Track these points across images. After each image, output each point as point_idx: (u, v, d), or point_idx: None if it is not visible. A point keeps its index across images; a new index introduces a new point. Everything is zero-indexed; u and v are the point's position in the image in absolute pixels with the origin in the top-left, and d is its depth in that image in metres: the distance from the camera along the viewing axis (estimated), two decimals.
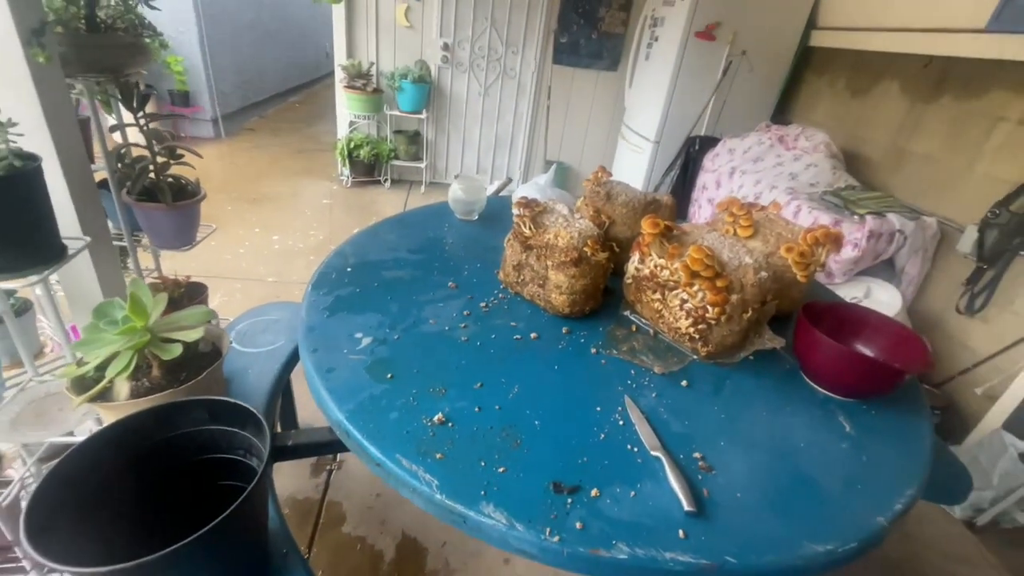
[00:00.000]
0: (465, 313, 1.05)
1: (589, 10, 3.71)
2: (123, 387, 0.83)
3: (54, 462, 0.66)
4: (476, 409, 0.81)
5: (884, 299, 2.00)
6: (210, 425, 0.79)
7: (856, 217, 2.03)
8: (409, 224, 1.47)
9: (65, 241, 0.93)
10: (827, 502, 0.73)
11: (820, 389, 0.96)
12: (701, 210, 2.89)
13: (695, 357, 1.01)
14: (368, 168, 3.92)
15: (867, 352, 1.00)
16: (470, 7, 3.61)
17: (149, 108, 1.29)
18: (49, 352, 1.41)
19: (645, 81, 3.41)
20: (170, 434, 0.77)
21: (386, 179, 4.05)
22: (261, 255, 2.80)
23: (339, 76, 3.66)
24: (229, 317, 1.44)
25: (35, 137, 0.95)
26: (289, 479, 1.53)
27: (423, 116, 3.83)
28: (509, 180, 1.90)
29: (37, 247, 0.86)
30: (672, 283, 0.99)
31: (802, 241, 1.10)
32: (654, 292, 1.04)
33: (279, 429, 1.61)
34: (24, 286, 0.86)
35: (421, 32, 3.69)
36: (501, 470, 0.71)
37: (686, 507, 0.67)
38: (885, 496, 0.75)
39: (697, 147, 2.93)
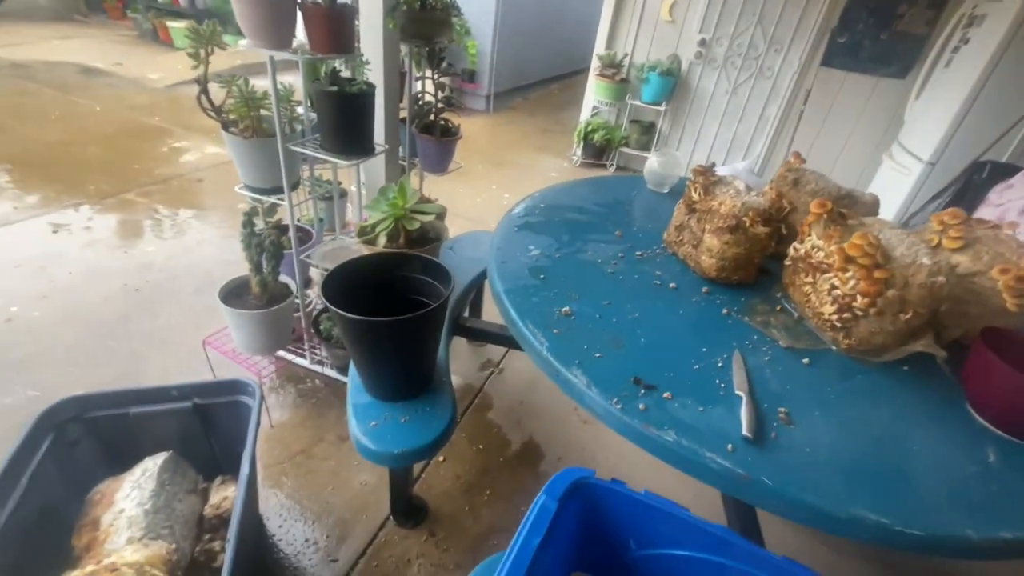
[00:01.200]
0: (620, 255, 1.23)
1: (885, 7, 3.23)
2: (383, 239, 1.27)
3: (339, 263, 1.10)
4: (597, 316, 1.00)
5: None
6: (421, 275, 1.16)
7: None
8: (603, 185, 1.68)
9: (375, 145, 1.43)
10: (909, 489, 0.71)
11: (981, 419, 0.86)
12: None
13: (833, 347, 0.99)
14: (598, 151, 4.22)
15: None
16: (739, 2, 3.51)
17: (445, 79, 1.77)
18: (350, 226, 2.08)
19: (938, 92, 2.85)
20: (399, 272, 1.16)
21: (612, 164, 4.29)
22: (490, 205, 3.37)
23: (594, 64, 4.01)
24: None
25: (375, 75, 1.47)
26: (462, 368, 1.94)
27: (662, 108, 3.93)
28: (714, 164, 1.89)
29: (362, 143, 1.36)
30: (825, 265, 0.99)
31: (1022, 263, 0.95)
32: (807, 275, 1.04)
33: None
34: (350, 165, 1.37)
35: (681, 27, 3.75)
36: (597, 355, 0.89)
37: (744, 431, 0.75)
38: (993, 519, 0.68)
39: (985, 175, 2.36)
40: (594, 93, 4.04)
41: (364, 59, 1.37)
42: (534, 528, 0.68)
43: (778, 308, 1.10)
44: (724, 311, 1.07)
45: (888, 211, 3.01)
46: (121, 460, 1.14)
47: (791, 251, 1.09)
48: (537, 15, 5.90)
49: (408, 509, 1.38)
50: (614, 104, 4.12)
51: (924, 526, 0.66)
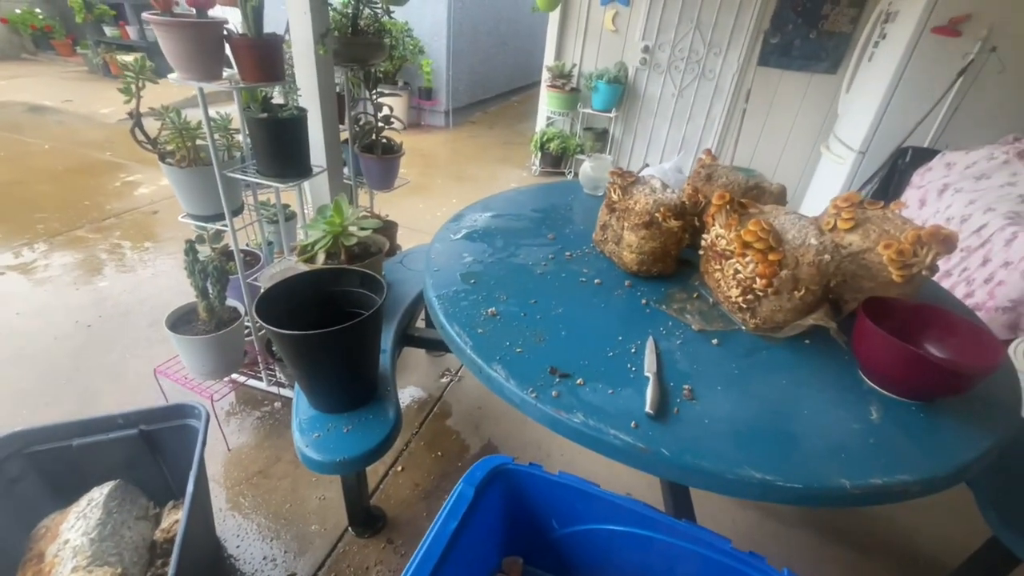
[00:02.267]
0: (550, 256, 1.29)
1: (811, 8, 3.42)
2: (321, 256, 1.31)
3: (275, 283, 1.14)
4: (522, 314, 1.05)
5: None
6: (359, 288, 1.20)
7: None
8: (542, 191, 1.75)
9: (313, 166, 1.47)
10: (795, 451, 0.78)
11: (870, 383, 0.94)
12: None
13: (743, 328, 1.07)
14: (555, 160, 4.33)
15: (932, 351, 0.92)
16: (676, 10, 3.67)
17: (402, 102, 1.84)
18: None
19: (864, 85, 3.03)
20: (336, 288, 1.20)
21: (570, 171, 4.40)
22: None
23: (544, 76, 4.12)
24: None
25: (309, 100, 1.51)
26: (421, 379, 1.97)
27: (612, 115, 4.06)
28: (646, 165, 1.98)
29: (298, 166, 1.40)
30: (728, 252, 1.07)
31: (904, 239, 1.04)
32: (715, 262, 1.12)
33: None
34: (287, 188, 1.41)
35: (625, 35, 3.90)
36: (518, 350, 0.94)
37: (647, 408, 0.81)
38: (867, 470, 0.75)
39: (907, 160, 2.52)
40: (547, 104, 4.15)
41: (295, 85, 1.41)
42: (451, 514, 0.72)
43: (695, 296, 1.17)
44: (643, 302, 1.13)
45: (827, 198, 3.16)
46: (67, 492, 1.14)
47: (702, 241, 1.17)
48: (490, 31, 6.04)
49: (366, 518, 1.40)
50: (567, 113, 4.23)
51: (803, 479, 0.73)
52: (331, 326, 1.00)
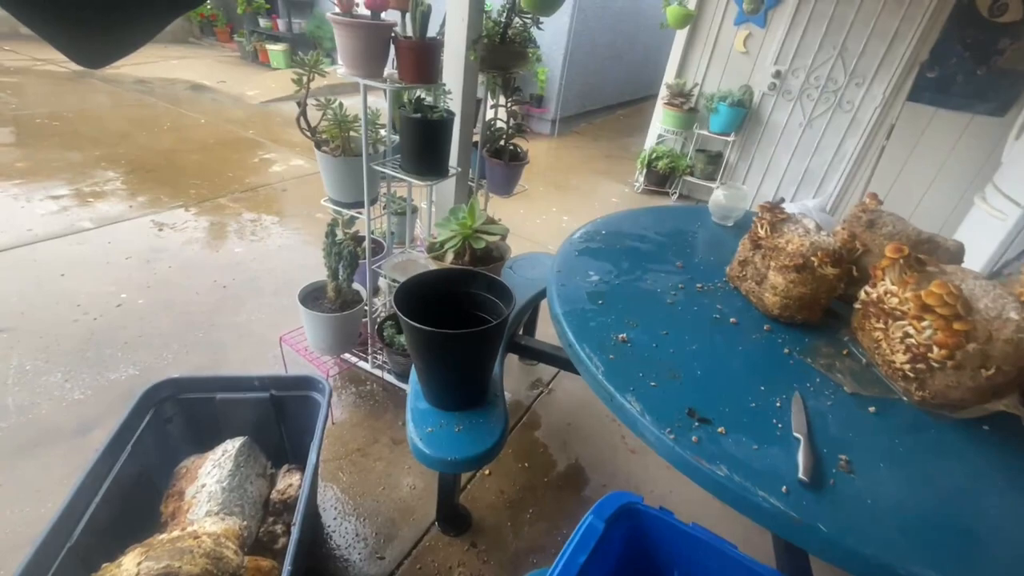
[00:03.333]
0: (680, 286, 1.23)
1: (983, 41, 3.04)
2: (450, 255, 1.35)
3: (411, 276, 1.18)
4: (654, 345, 1.01)
5: None
6: (485, 292, 1.22)
7: None
8: (666, 214, 1.69)
9: (450, 167, 1.53)
10: (980, 551, 0.68)
11: None
12: None
13: (904, 398, 0.95)
14: (661, 179, 4.20)
15: None
16: (818, 35, 3.42)
17: (516, 107, 1.86)
18: (418, 240, 2.20)
19: None
20: (464, 289, 1.23)
21: (675, 192, 4.25)
22: (550, 227, 3.43)
23: (662, 93, 4.02)
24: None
25: (454, 102, 1.57)
26: (513, 385, 1.98)
27: (731, 139, 3.86)
28: (782, 199, 1.84)
29: (439, 166, 1.46)
30: (899, 312, 0.96)
31: None
32: (878, 320, 1.01)
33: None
34: (426, 185, 1.47)
35: (755, 58, 3.70)
36: (652, 384, 0.91)
37: (800, 474, 0.74)
38: None
39: None
40: (661, 121, 4.04)
41: (446, 88, 1.47)
42: (580, 546, 0.70)
43: (844, 352, 1.07)
44: (786, 351, 1.05)
45: (979, 258, 2.80)
46: (204, 440, 1.26)
47: (862, 294, 1.06)
48: (608, 44, 6.00)
49: (453, 517, 1.42)
50: (680, 133, 4.09)
51: None
52: (455, 325, 1.02)
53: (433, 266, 1.39)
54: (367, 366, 1.89)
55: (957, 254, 1.17)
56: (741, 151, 4.02)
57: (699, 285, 1.25)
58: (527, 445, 1.72)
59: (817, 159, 3.77)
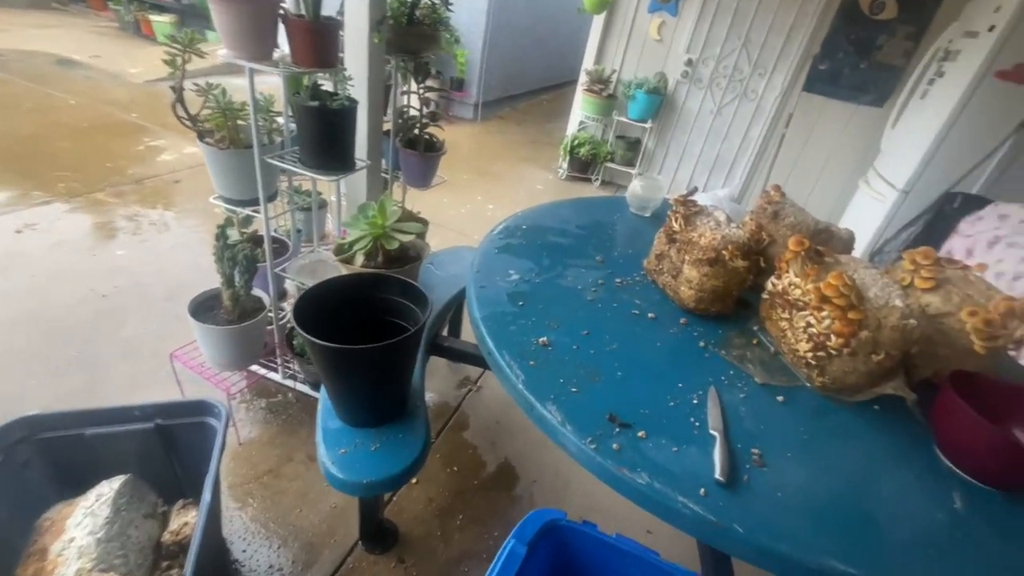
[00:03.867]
0: (600, 282, 1.22)
1: (865, 38, 3.32)
2: (360, 258, 1.24)
3: (311, 286, 1.07)
4: (575, 347, 0.98)
5: None
6: (400, 297, 1.14)
7: None
8: (586, 206, 1.67)
9: (357, 160, 1.40)
10: (880, 537, 0.71)
11: (948, 463, 0.87)
12: None
13: (808, 384, 1.00)
14: (583, 165, 4.25)
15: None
16: (724, 26, 3.58)
17: (431, 93, 1.75)
18: (328, 238, 2.04)
19: (913, 123, 2.94)
20: (376, 294, 1.13)
21: (597, 178, 4.32)
22: (475, 217, 3.35)
23: (582, 79, 4.04)
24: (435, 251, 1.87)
25: (358, 89, 1.44)
26: (440, 386, 1.91)
27: (648, 126, 3.97)
28: (695, 189, 1.91)
29: (343, 158, 1.34)
30: (802, 303, 0.99)
31: (992, 308, 0.96)
32: (783, 310, 1.05)
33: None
34: (330, 180, 1.34)
35: (669, 46, 3.81)
36: (573, 390, 0.88)
37: (717, 475, 0.75)
38: (956, 568, 0.69)
39: (956, 206, 2.43)
40: (581, 108, 4.07)
41: (347, 74, 1.34)
42: (503, 572, 0.66)
43: (754, 341, 1.10)
44: (701, 344, 1.06)
45: (863, 237, 3.08)
46: (75, 482, 1.08)
47: (769, 286, 1.10)
48: (529, 27, 5.94)
49: (378, 534, 1.35)
50: (601, 119, 4.15)
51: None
52: (366, 333, 0.94)
53: (343, 270, 1.28)
54: (278, 377, 1.74)
55: (849, 242, 1.25)
56: (658, 138, 4.15)
57: (619, 280, 1.24)
58: (456, 448, 1.67)
59: (726, 146, 3.98)
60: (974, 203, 2.40)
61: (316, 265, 1.54)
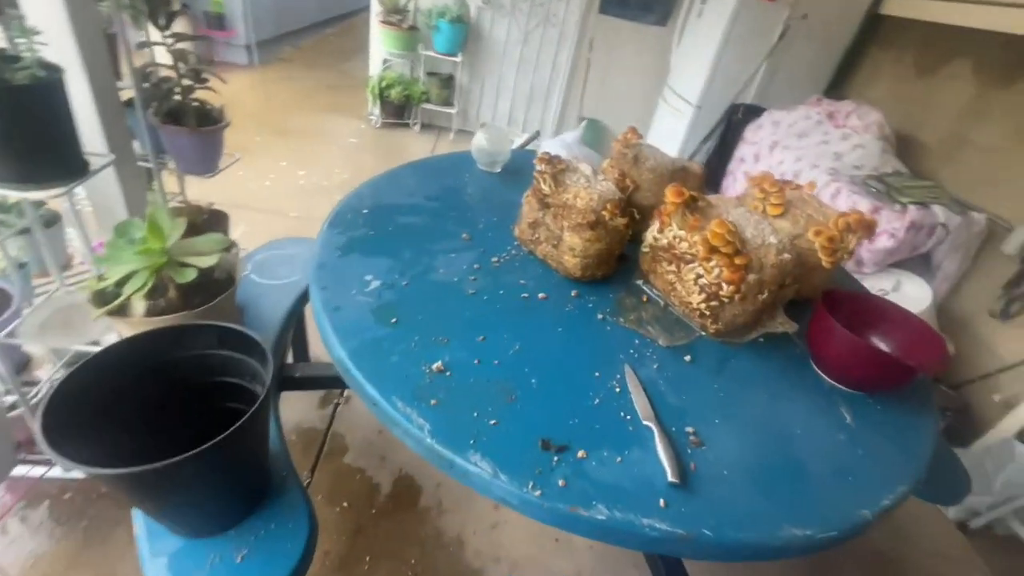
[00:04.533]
0: (475, 266, 1.05)
1: None
2: (139, 305, 0.86)
3: (72, 368, 0.70)
4: (475, 361, 0.82)
5: (913, 294, 1.92)
6: (219, 350, 0.82)
7: (898, 206, 1.92)
8: (429, 170, 1.44)
9: (89, 157, 0.94)
10: (814, 488, 0.73)
11: (827, 379, 0.94)
12: (736, 183, 2.78)
13: (703, 333, 0.99)
14: (398, 110, 3.85)
15: (881, 346, 0.97)
16: None
17: (181, 28, 1.26)
18: (78, 264, 1.47)
19: (694, 41, 3.21)
20: (180, 354, 0.80)
21: (416, 122, 3.97)
22: (286, 189, 2.82)
23: (375, 9, 3.53)
24: (249, 248, 1.47)
25: (59, 48, 0.94)
26: (297, 408, 1.59)
27: (458, 59, 3.70)
28: (537, 134, 1.83)
29: (60, 160, 0.87)
30: (689, 256, 0.96)
31: (832, 226, 1.05)
32: (670, 264, 1.01)
33: (291, 360, 1.67)
34: (48, 198, 0.88)
35: None
36: (493, 423, 0.72)
37: (670, 478, 0.68)
38: (874, 490, 0.74)
39: (740, 116, 2.78)
40: (382, 44, 3.60)
41: (27, 23, 0.85)
42: None
43: (644, 299, 1.06)
44: (599, 316, 0.98)
45: (669, 149, 3.38)
46: None
47: (650, 239, 1.05)
48: None
49: None
50: (406, 55, 3.74)
51: (836, 523, 0.69)
52: (189, 410, 0.65)
53: (117, 329, 0.88)
54: (57, 472, 1.25)
55: (701, 177, 1.26)
56: (471, 72, 3.92)
57: (494, 259, 1.08)
58: (339, 479, 1.42)
59: (539, 75, 3.94)
60: (753, 112, 2.76)
61: (67, 314, 1.07)
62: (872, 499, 0.73)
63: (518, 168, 1.52)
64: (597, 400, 0.80)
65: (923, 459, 0.82)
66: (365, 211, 1.16)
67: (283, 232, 1.87)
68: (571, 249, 1.03)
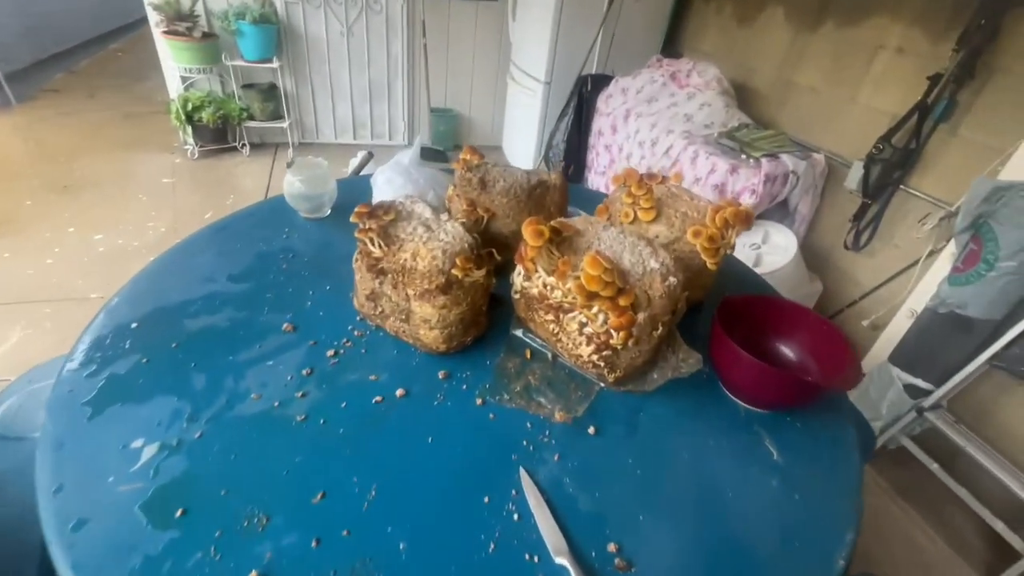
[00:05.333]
0: (305, 372, 0.78)
1: None
2: None
3: None
4: (313, 543, 0.57)
5: (781, 243, 1.99)
6: None
7: (752, 161, 1.95)
8: (234, 234, 1.11)
9: None
10: (761, 549, 0.61)
11: (739, 402, 0.83)
12: (599, 157, 2.72)
13: (602, 385, 0.83)
14: (218, 134, 3.27)
15: (788, 353, 0.88)
16: None
17: None
18: None
19: (528, 14, 3.07)
20: None
21: (243, 144, 3.42)
22: (79, 263, 2.22)
23: (153, 19, 2.90)
24: (30, 361, 1.05)
25: None
26: None
27: (275, 65, 3.20)
28: (370, 155, 1.56)
29: None
30: (567, 305, 0.78)
31: (710, 223, 0.93)
32: (547, 312, 0.83)
33: None
34: None
35: None
36: None
37: None
38: (825, 548, 0.64)
39: (589, 87, 2.70)
40: (173, 59, 2.99)
41: None
42: None
43: (528, 354, 0.88)
44: (478, 400, 0.78)
45: (529, 130, 3.26)
46: None
47: (519, 284, 0.86)
48: None
49: None
50: (210, 69, 3.16)
51: None
52: None
53: None
54: None
55: (565, 189, 1.09)
56: (295, 76, 3.44)
57: (331, 352, 0.83)
58: None
59: (374, 69, 3.57)
60: (602, 81, 2.69)
61: None
62: (825, 562, 0.62)
63: (353, 204, 1.25)
64: (492, 545, 0.59)
65: (855, 481, 0.74)
66: (135, 325, 0.83)
67: (81, 325, 1.43)
68: (425, 321, 0.81)
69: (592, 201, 1.21)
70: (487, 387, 0.80)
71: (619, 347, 0.77)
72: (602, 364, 0.81)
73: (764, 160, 1.91)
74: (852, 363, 0.76)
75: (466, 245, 0.80)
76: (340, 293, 0.94)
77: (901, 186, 1.79)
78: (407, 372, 0.81)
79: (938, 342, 1.58)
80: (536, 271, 0.79)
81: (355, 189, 1.33)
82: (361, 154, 1.73)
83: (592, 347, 0.79)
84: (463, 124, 3.95)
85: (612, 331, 0.76)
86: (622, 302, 0.74)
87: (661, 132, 2.22)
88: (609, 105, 2.55)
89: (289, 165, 1.11)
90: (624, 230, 0.86)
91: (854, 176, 1.86)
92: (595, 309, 0.76)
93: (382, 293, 0.83)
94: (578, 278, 0.74)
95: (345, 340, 0.85)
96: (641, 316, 0.76)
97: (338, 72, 3.49)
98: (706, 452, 0.75)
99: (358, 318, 0.90)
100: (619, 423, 0.78)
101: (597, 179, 2.77)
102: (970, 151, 1.62)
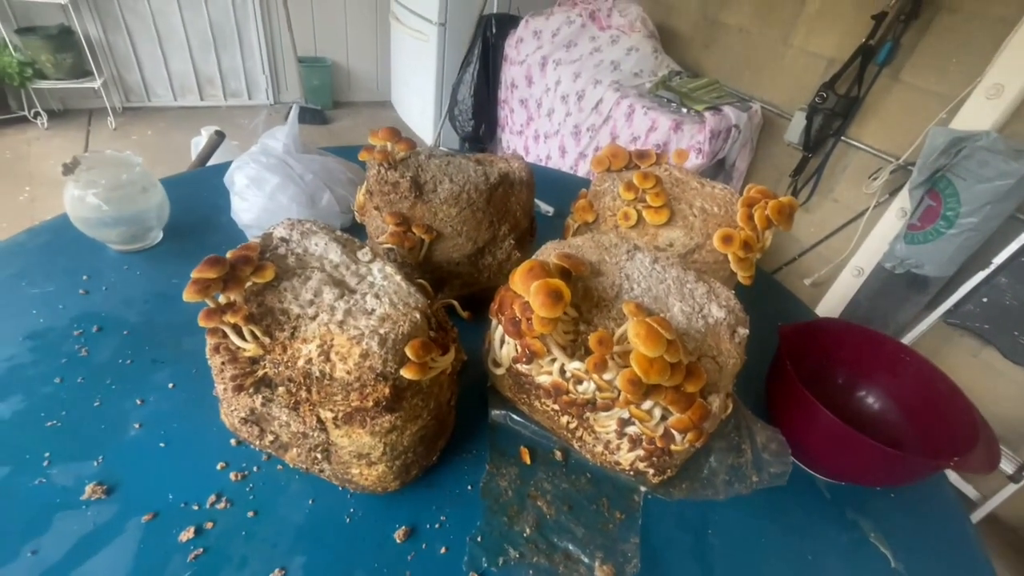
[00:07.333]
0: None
1: None
2: None
3: None
4: None
5: None
6: None
7: (694, 114, 1.74)
8: (11, 291, 0.64)
9: None
10: None
11: (807, 469, 0.61)
12: (513, 114, 2.35)
13: (643, 490, 0.56)
14: None
15: (868, 399, 0.67)
16: None
17: None
18: None
19: None
20: None
21: (36, 113, 2.52)
22: None
23: None
24: None
25: None
26: None
27: (62, 1, 2.33)
28: (219, 136, 1.06)
29: None
30: (604, 401, 0.48)
31: (743, 223, 0.67)
32: (554, 401, 0.52)
33: None
34: None
35: None
36: None
37: None
38: None
39: (494, 30, 2.29)
40: None
41: None
42: None
43: (524, 455, 0.57)
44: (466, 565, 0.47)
45: (424, 83, 2.78)
46: None
47: (505, 362, 0.53)
48: None
49: None
50: None
51: None
52: None
53: None
54: None
55: (531, 181, 0.75)
56: (99, 16, 2.56)
57: (186, 530, 0.45)
58: None
59: (216, 9, 2.78)
60: (507, 23, 2.29)
61: None
62: None
63: (202, 219, 0.80)
64: None
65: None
66: None
67: None
68: (361, 456, 0.46)
69: (548, 185, 0.89)
70: (479, 541, 0.49)
71: (682, 449, 0.50)
72: (652, 472, 0.53)
73: (707, 114, 1.70)
74: (983, 436, 0.54)
75: (416, 315, 0.45)
76: (195, 392, 0.55)
77: (842, 138, 1.69)
78: (339, 544, 0.47)
79: (891, 302, 1.53)
80: (549, 354, 0.47)
81: (204, 190, 0.88)
82: (206, 132, 1.18)
83: (638, 452, 0.51)
84: (341, 76, 3.31)
85: (675, 432, 0.48)
86: (689, 388, 0.46)
87: (587, 83, 1.92)
88: (520, 52, 2.18)
89: (68, 167, 0.65)
90: (642, 247, 0.57)
91: (795, 128, 1.73)
92: (649, 404, 0.47)
93: (269, 416, 0.46)
94: (627, 366, 0.44)
95: (213, 498, 0.48)
96: (715, 403, 0.48)
97: (164, 10, 2.67)
98: (804, 569, 0.52)
99: (233, 442, 0.52)
100: (685, 556, 0.51)
101: (513, 139, 2.42)
102: (914, 98, 1.53)
